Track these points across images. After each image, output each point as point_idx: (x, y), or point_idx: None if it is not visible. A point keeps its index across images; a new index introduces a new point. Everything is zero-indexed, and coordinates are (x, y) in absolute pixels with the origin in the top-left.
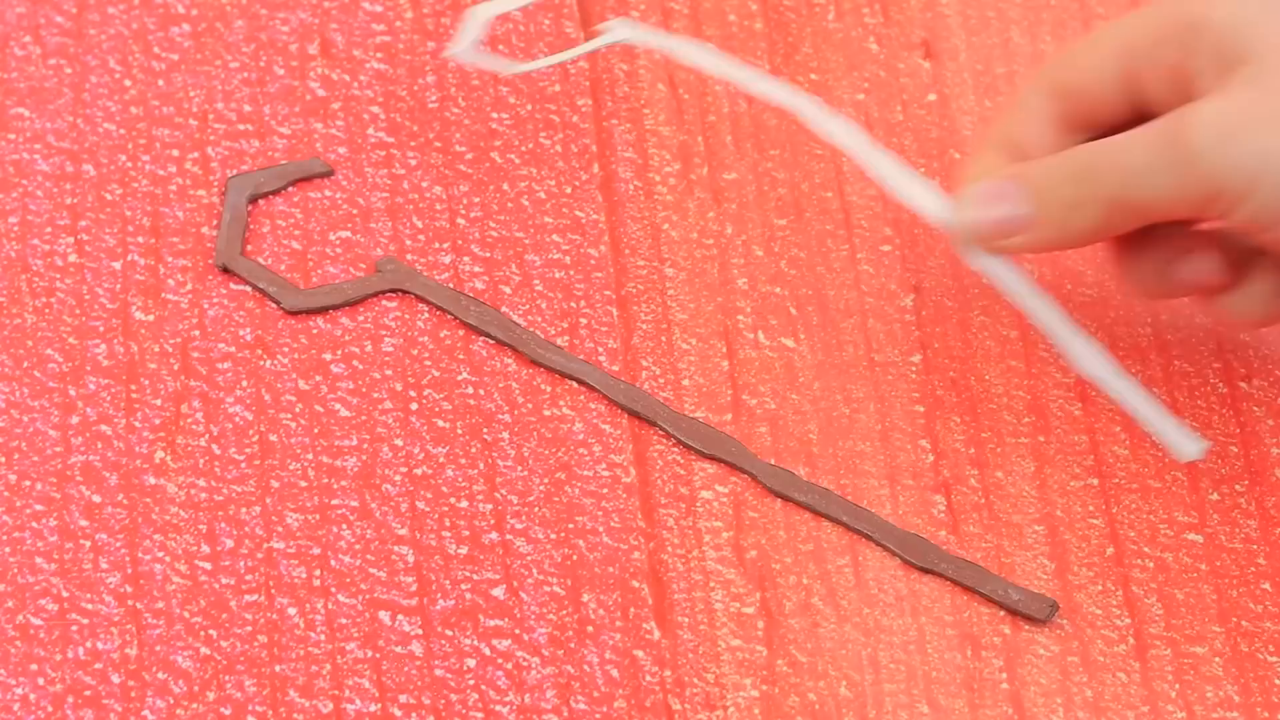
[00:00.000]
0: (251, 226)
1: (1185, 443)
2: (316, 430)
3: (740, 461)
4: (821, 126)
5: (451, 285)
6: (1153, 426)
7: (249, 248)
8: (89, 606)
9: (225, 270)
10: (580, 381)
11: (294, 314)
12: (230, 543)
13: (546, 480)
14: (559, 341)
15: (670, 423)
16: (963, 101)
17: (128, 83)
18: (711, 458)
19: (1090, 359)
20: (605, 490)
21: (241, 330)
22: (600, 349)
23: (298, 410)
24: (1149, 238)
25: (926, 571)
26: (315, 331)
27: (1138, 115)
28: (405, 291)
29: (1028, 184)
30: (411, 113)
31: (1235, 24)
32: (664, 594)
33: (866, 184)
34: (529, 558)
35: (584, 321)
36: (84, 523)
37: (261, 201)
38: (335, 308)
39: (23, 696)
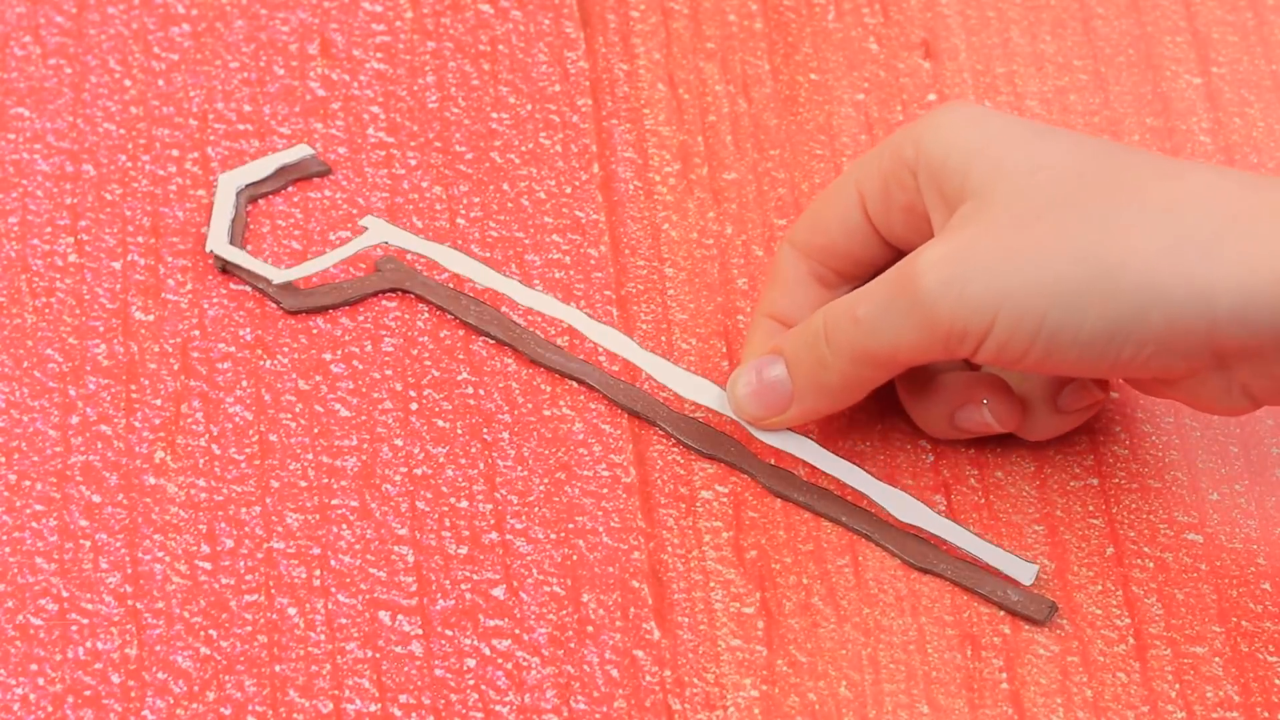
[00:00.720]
0: (251, 226)
1: (1018, 570)
2: (316, 430)
3: (740, 461)
4: (592, 334)
5: (451, 285)
6: (986, 561)
7: (249, 248)
8: (89, 606)
9: (225, 270)
10: (580, 381)
11: (294, 314)
12: (230, 543)
13: (546, 480)
14: (559, 341)
15: (670, 423)
16: None
17: (128, 83)
18: (711, 458)
19: (908, 509)
20: (605, 490)
21: (241, 330)
22: (600, 349)
23: (298, 410)
24: (930, 387)
25: (926, 572)
26: (315, 331)
27: (899, 256)
28: (405, 291)
29: (782, 354)
30: (411, 113)
31: (949, 159)
32: (664, 594)
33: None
34: (529, 558)
35: None
36: (84, 523)
37: (261, 201)
38: (335, 307)
39: (23, 696)
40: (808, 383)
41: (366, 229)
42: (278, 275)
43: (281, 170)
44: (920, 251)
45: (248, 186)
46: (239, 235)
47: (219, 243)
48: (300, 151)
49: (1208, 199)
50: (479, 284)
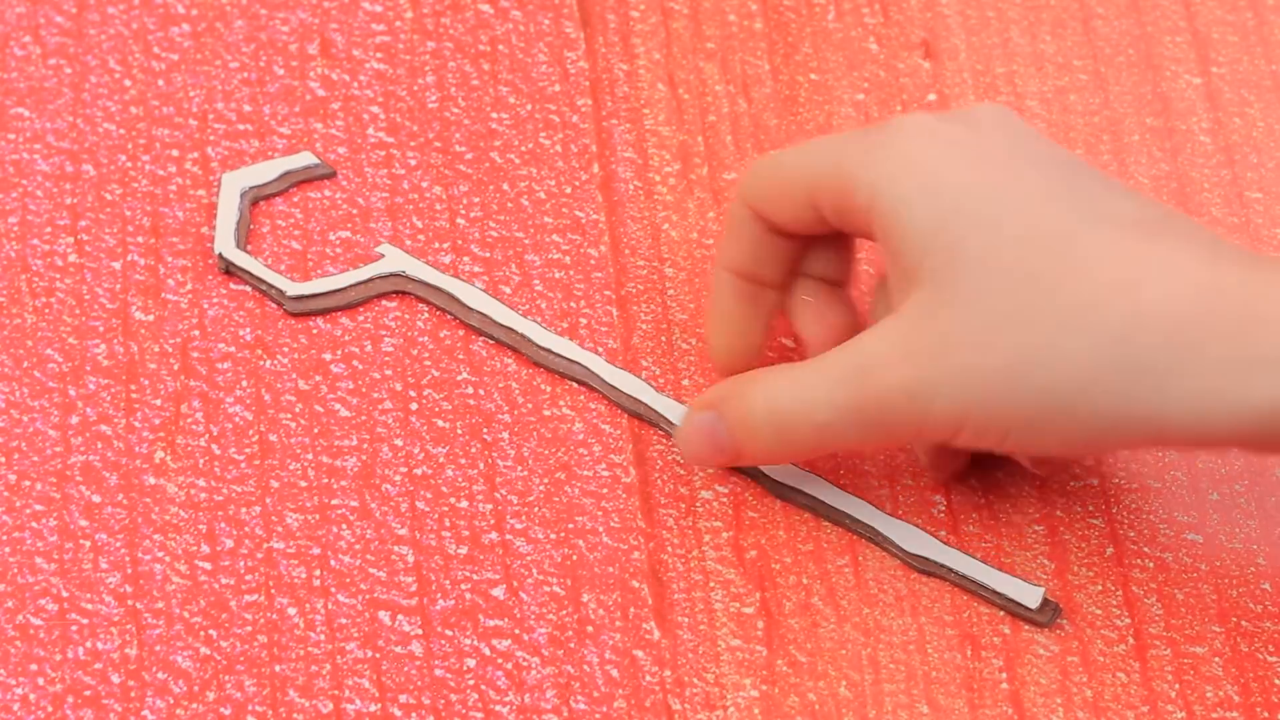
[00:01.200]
0: (251, 226)
1: (1024, 594)
2: (316, 430)
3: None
4: (611, 379)
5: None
6: (991, 587)
7: (249, 248)
8: (89, 606)
9: (228, 271)
10: (580, 382)
11: (295, 315)
12: (230, 543)
13: (546, 480)
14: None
15: (670, 423)
16: (963, 101)
17: (128, 83)
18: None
19: (915, 540)
20: (605, 490)
21: (241, 330)
22: (600, 349)
23: (298, 410)
24: None
25: (929, 574)
26: (315, 331)
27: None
28: (406, 293)
29: (729, 424)
30: (411, 113)
31: (906, 238)
32: (664, 594)
33: None
34: (529, 558)
35: (584, 321)
36: (84, 523)
37: (263, 202)
38: (338, 309)
39: (23, 696)
40: (758, 458)
41: (383, 255)
42: (292, 288)
43: (285, 174)
44: (884, 361)
45: (251, 189)
46: (243, 237)
47: (227, 246)
48: (305, 159)
49: (1162, 323)
50: (497, 320)
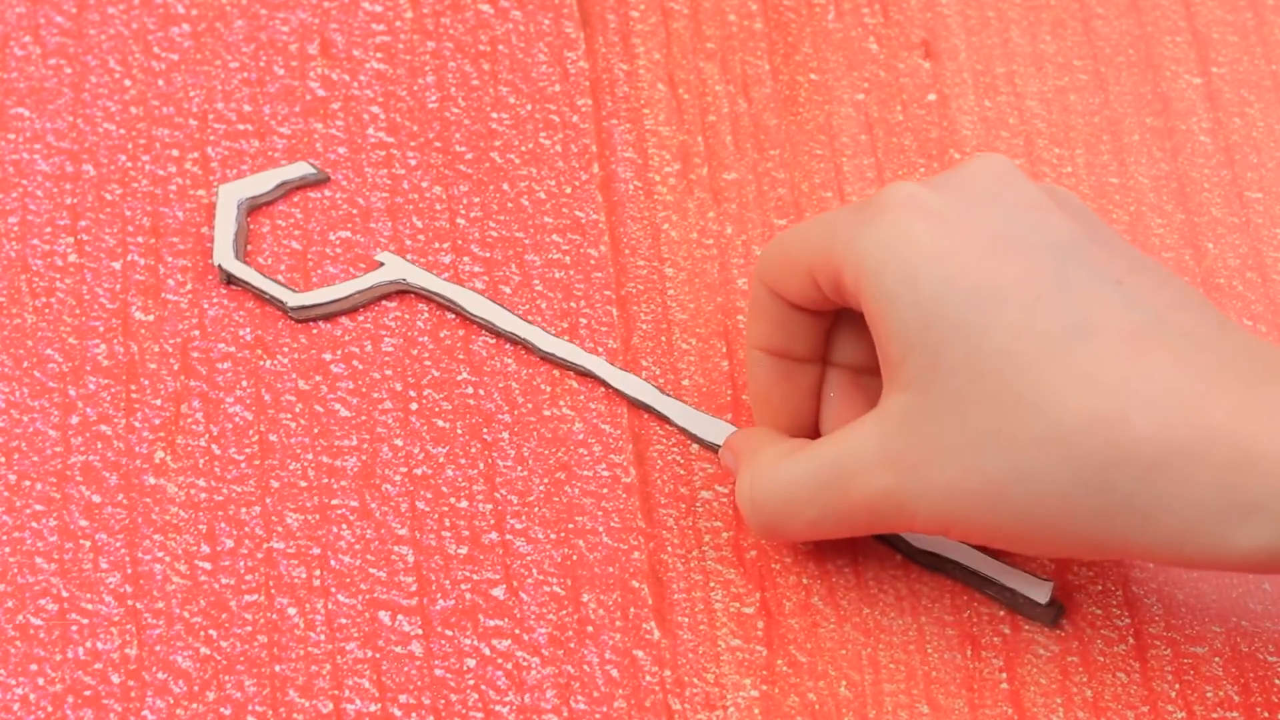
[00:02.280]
0: (251, 226)
1: (1032, 589)
2: (316, 430)
3: None
4: (614, 381)
5: (453, 283)
6: (999, 582)
7: (249, 247)
8: (89, 606)
9: (230, 282)
10: (585, 374)
11: (300, 322)
12: (230, 543)
13: (546, 480)
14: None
15: (671, 423)
16: (963, 101)
17: (128, 83)
18: (714, 449)
19: (924, 537)
20: (605, 490)
21: (241, 330)
22: (600, 349)
23: (298, 410)
24: None
25: (935, 571)
26: (315, 332)
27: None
28: (407, 290)
29: (742, 483)
30: (411, 113)
31: (889, 333)
32: (664, 594)
33: (865, 184)
34: (529, 558)
35: (584, 321)
36: (84, 523)
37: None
38: (343, 314)
39: (23, 696)
40: (763, 537)
41: (383, 264)
42: (293, 299)
43: (282, 184)
44: (866, 466)
45: (248, 199)
46: (241, 248)
47: (226, 257)
48: (301, 169)
49: (1146, 458)
50: (499, 327)
